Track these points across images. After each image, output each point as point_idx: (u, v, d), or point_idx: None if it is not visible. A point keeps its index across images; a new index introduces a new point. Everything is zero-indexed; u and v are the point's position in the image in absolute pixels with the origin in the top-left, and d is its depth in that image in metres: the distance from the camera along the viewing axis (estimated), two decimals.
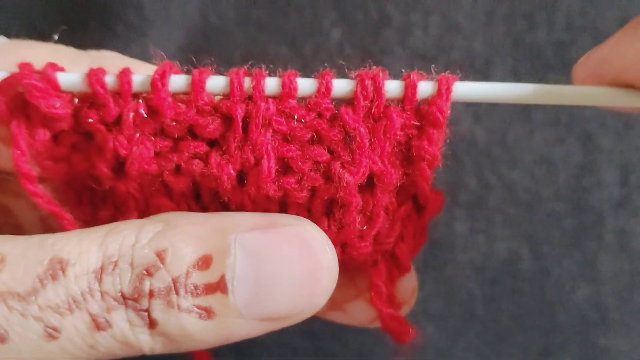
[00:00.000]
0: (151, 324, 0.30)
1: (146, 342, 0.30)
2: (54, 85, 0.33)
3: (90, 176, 0.36)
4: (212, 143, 0.35)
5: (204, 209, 0.37)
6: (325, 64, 0.36)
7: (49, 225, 0.37)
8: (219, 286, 0.30)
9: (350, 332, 0.54)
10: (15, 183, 0.35)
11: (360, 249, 0.37)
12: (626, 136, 0.49)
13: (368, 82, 0.34)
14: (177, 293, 0.30)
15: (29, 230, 0.41)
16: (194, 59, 0.36)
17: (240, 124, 0.34)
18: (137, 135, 0.34)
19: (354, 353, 0.56)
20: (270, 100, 0.34)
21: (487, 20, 0.47)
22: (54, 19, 0.49)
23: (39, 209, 0.35)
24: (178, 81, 0.34)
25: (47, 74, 0.33)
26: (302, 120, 0.34)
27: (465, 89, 0.34)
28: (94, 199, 0.38)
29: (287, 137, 0.34)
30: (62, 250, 0.30)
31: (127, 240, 0.31)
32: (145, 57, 0.41)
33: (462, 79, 0.34)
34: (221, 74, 0.34)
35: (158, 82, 0.33)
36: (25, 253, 0.30)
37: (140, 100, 0.34)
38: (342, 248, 0.37)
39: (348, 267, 0.39)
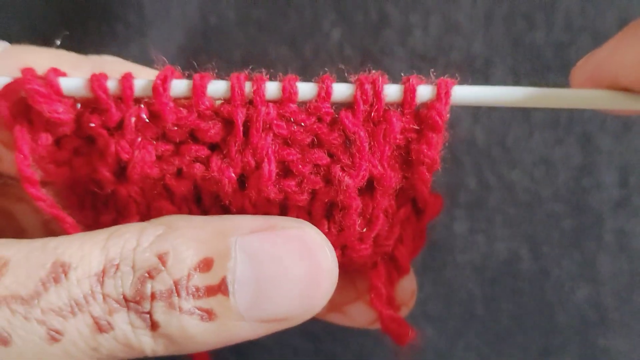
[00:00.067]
0: (153, 326, 0.30)
1: (148, 344, 0.31)
2: (57, 90, 0.33)
3: (92, 180, 0.36)
4: (213, 147, 0.35)
5: (205, 212, 0.37)
6: (325, 66, 0.36)
7: (51, 229, 0.38)
8: (220, 288, 0.30)
9: (350, 334, 0.54)
10: (18, 187, 0.35)
11: (360, 252, 0.37)
12: (625, 137, 0.49)
13: (367, 87, 0.34)
14: (178, 295, 0.30)
15: (31, 234, 0.41)
16: (195, 63, 0.36)
17: (241, 128, 0.34)
18: (139, 139, 0.34)
19: (354, 354, 0.56)
20: (270, 104, 0.34)
21: (487, 21, 0.47)
22: (54, 20, 0.49)
23: (42, 212, 0.35)
24: (179, 86, 0.34)
25: (50, 79, 0.33)
26: (303, 124, 0.34)
27: (464, 93, 0.34)
28: (96, 202, 0.38)
29: (287, 140, 0.35)
30: (64, 254, 0.30)
31: (129, 243, 0.31)
32: (145, 58, 0.41)
33: (462, 79, 0.35)
34: (222, 78, 0.34)
35: (160, 87, 0.33)
36: (28, 257, 0.30)
37: (142, 105, 0.34)
38: (342, 250, 0.37)
39: (348, 269, 0.39)
